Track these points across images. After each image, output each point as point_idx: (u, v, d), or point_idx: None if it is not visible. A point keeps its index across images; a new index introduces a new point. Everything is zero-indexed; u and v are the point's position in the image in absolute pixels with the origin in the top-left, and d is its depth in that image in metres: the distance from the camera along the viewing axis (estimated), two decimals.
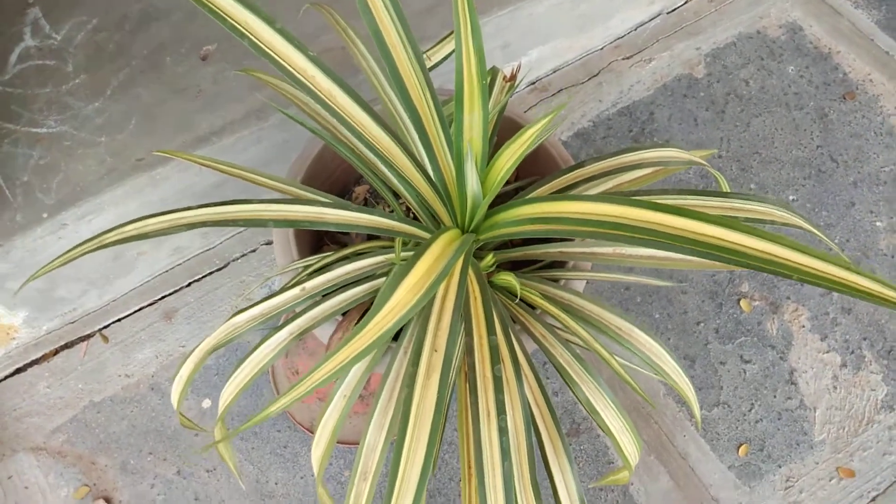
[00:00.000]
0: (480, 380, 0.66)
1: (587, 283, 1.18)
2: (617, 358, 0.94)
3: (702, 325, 1.24)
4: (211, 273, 1.27)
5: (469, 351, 0.68)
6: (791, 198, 1.36)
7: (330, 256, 0.87)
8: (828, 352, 1.23)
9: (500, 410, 0.64)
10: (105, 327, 1.23)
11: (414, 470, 0.58)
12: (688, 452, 1.15)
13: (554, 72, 1.50)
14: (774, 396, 1.19)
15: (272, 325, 0.81)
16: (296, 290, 0.79)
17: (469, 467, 0.64)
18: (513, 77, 0.91)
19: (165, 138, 1.08)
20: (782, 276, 0.53)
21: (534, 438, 0.75)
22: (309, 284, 0.80)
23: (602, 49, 1.53)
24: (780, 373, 1.21)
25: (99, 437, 1.16)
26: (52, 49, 1.14)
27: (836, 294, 1.28)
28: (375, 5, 0.60)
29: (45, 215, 1.03)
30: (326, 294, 0.80)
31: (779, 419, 1.18)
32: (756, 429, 1.17)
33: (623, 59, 1.52)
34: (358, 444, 1.17)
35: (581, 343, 0.85)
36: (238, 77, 1.13)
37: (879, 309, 1.27)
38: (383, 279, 0.84)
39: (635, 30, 1.55)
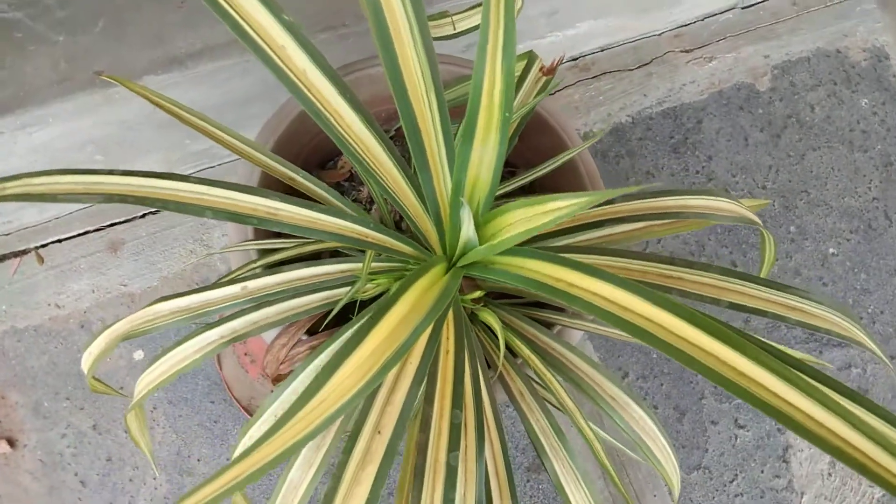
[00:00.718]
0: (430, 466, 0.52)
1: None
2: (599, 432, 0.81)
3: (700, 376, 1.11)
4: None
5: (424, 425, 0.54)
6: (831, 251, 1.21)
7: (288, 247, 0.72)
8: None
9: None
10: (42, 246, 1.09)
11: None
12: None
13: (601, 50, 1.31)
14: (762, 472, 1.07)
15: (204, 321, 0.67)
16: (235, 288, 0.65)
17: None
18: (552, 70, 0.74)
19: (133, 51, 0.91)
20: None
21: None
22: (253, 284, 0.65)
23: (660, 35, 1.34)
24: (773, 446, 1.09)
25: (14, 370, 1.03)
26: None
27: (854, 370, 1.15)
28: None
29: None
30: (273, 298, 0.66)
31: (761, 497, 1.06)
32: (733, 503, 1.05)
33: (681, 51, 1.33)
34: None
35: (560, 408, 0.71)
36: None
37: None
38: (346, 289, 0.69)
39: (702, 20, 1.36)
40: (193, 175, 1.13)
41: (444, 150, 0.51)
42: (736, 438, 1.08)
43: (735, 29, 1.36)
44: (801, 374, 0.40)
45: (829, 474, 1.08)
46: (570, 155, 0.71)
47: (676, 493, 0.75)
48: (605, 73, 1.30)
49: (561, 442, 0.69)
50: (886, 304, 1.18)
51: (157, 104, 0.65)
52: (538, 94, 0.73)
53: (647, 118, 1.27)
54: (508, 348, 0.73)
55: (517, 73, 0.75)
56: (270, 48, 0.44)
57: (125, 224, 1.11)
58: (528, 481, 1.05)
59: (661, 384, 1.10)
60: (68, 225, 1.09)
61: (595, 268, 0.48)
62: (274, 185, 0.81)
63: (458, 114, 0.81)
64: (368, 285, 0.70)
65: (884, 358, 0.61)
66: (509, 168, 0.92)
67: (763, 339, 0.59)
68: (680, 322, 0.44)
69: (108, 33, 0.92)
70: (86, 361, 0.72)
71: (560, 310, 0.77)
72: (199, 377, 1.05)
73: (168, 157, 1.07)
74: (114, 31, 0.92)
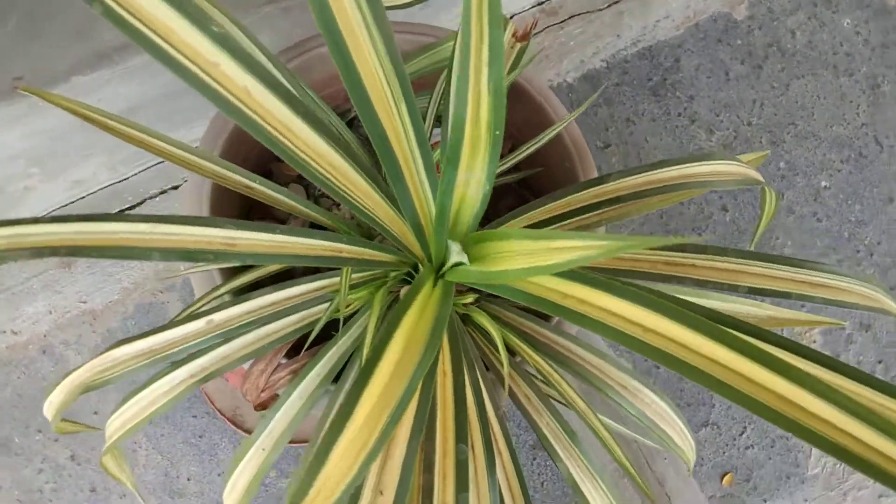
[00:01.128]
0: None
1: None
2: (611, 423, 0.77)
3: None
4: (122, 212, 1.03)
5: (428, 466, 0.49)
6: (823, 184, 1.16)
7: (253, 270, 0.65)
8: None
9: None
10: None
11: None
12: (666, 478, 1.01)
13: None
14: None
15: (170, 362, 0.60)
16: (199, 324, 0.58)
17: None
18: (526, 35, 0.66)
19: (54, 49, 0.81)
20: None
21: None
22: (219, 317, 0.58)
23: None
24: None
25: None
26: None
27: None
28: None
29: None
30: (244, 329, 0.59)
31: (771, 447, 1.04)
32: (745, 456, 1.03)
33: None
34: (303, 442, 0.99)
35: (567, 404, 0.66)
36: None
37: None
38: (325, 306, 0.63)
39: None
40: (142, 163, 1.04)
41: (421, 159, 0.44)
42: None
43: None
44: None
45: None
46: (556, 130, 0.64)
47: (692, 467, 0.72)
48: (573, 17, 1.21)
49: (574, 443, 0.65)
50: (883, 233, 1.15)
51: (79, 115, 0.56)
52: (514, 63, 0.65)
53: (622, 61, 1.19)
54: (506, 346, 0.67)
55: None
56: (201, 68, 0.36)
57: None
58: (534, 459, 1.01)
59: None
60: None
61: (609, 282, 0.42)
62: (228, 195, 0.73)
63: (421, 86, 0.73)
64: (348, 298, 0.63)
65: None
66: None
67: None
68: (717, 346, 0.38)
69: (23, 32, 0.81)
70: (48, 411, 0.66)
71: None
72: None
73: (111, 159, 0.97)
74: (29, 28, 0.81)
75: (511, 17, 1.20)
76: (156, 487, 0.95)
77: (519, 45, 0.66)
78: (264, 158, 0.84)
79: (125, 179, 1.03)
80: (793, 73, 1.21)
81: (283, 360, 0.67)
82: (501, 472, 0.60)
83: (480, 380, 0.59)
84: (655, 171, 0.62)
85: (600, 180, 0.62)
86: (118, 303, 1.01)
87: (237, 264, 0.64)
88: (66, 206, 1.01)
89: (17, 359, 0.98)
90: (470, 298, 0.61)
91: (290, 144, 0.41)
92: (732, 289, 0.54)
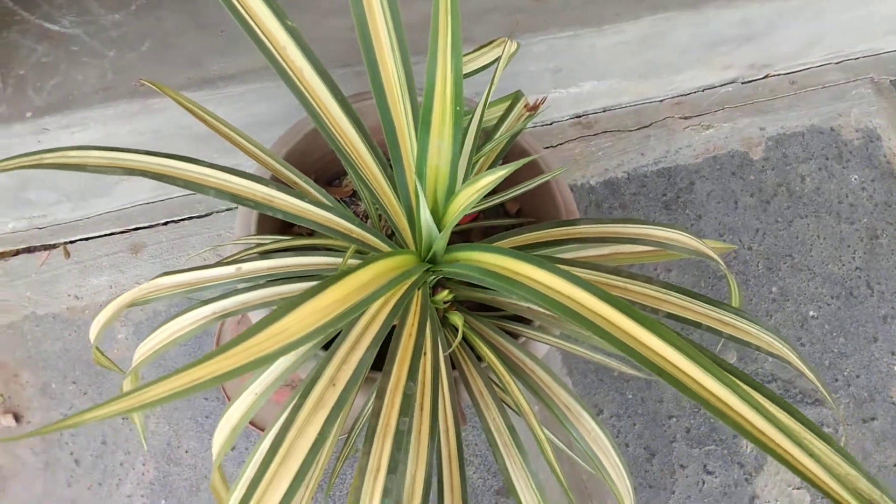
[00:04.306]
0: (380, 429, 0.58)
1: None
2: (554, 439, 0.86)
3: (674, 419, 1.15)
4: (191, 218, 1.22)
5: (380, 393, 0.60)
6: (811, 314, 1.25)
7: (283, 241, 0.80)
8: (799, 488, 1.12)
9: (392, 469, 0.56)
10: (71, 242, 1.19)
11: None
12: None
13: (603, 111, 1.41)
14: None
15: (200, 297, 0.74)
16: (230, 269, 0.73)
17: None
18: (534, 107, 0.82)
19: (173, 69, 1.03)
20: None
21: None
22: (246, 266, 0.73)
23: (661, 101, 1.43)
24: (740, 495, 1.11)
25: (30, 352, 1.11)
26: None
27: (825, 430, 1.18)
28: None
29: (29, 114, 0.98)
30: (264, 281, 0.73)
31: None
32: None
33: (680, 118, 1.42)
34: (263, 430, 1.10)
35: (517, 410, 0.77)
36: None
37: (868, 444, 1.16)
38: None
39: (702, 91, 1.45)
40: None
41: (416, 148, 0.59)
42: (703, 483, 1.11)
43: (733, 101, 1.44)
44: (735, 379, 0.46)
45: None
46: (545, 179, 0.79)
47: None
48: (605, 132, 1.39)
49: (515, 442, 0.74)
50: (863, 368, 1.22)
51: (194, 113, 0.74)
52: (523, 121, 0.81)
53: (642, 175, 1.34)
54: (474, 352, 0.79)
55: (502, 110, 0.84)
56: (275, 48, 0.53)
57: (148, 229, 1.20)
58: None
59: (634, 424, 1.14)
60: (96, 225, 1.19)
61: (538, 258, 0.55)
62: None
63: None
64: None
65: (814, 379, 0.66)
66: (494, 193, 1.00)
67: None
68: (618, 314, 0.50)
69: (153, 53, 1.03)
70: (94, 329, 0.80)
71: (528, 321, 0.83)
72: None
73: None
74: (158, 51, 1.04)
75: (551, 124, 1.39)
76: (157, 453, 1.06)
77: (528, 114, 0.82)
78: (317, 182, 1.01)
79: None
80: (797, 212, 1.33)
81: None
82: (444, 435, 0.70)
83: (440, 355, 0.71)
84: (621, 225, 0.76)
85: (572, 222, 0.76)
86: None
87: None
88: (147, 203, 1.20)
89: (73, 319, 1.14)
90: (445, 293, 0.74)
91: (319, 110, 0.57)
92: (653, 312, 0.65)
